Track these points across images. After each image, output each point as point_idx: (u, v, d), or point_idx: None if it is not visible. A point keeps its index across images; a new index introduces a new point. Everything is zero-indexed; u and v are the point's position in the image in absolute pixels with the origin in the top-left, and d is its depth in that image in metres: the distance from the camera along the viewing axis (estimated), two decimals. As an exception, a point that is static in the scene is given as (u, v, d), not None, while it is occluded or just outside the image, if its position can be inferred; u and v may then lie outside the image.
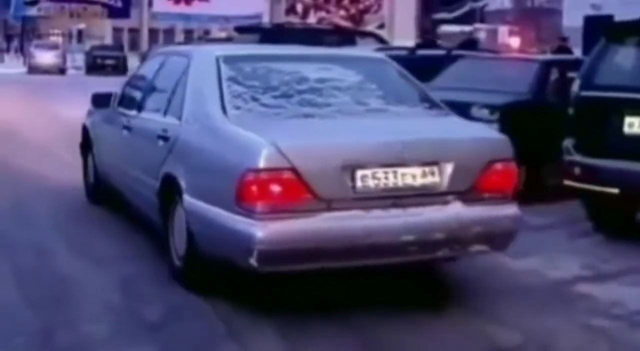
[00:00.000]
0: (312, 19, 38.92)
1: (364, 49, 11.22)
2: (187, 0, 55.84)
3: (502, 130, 7.37)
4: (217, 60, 5.53)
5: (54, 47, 44.22)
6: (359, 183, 4.71)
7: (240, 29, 16.58)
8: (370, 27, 33.90)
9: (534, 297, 5.35)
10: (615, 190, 6.49)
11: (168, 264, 5.46)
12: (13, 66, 44.50)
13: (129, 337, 4.50)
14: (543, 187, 8.20)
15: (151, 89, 6.55)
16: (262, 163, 4.54)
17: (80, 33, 58.82)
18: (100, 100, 7.57)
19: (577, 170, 6.70)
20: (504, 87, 8.64)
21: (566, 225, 7.29)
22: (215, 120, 5.14)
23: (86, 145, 8.12)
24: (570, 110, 6.92)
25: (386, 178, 4.77)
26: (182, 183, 5.19)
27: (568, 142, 6.87)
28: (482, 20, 49.82)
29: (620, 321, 4.91)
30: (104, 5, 56.08)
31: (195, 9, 55.76)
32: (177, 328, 4.63)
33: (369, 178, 4.73)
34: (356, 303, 4.98)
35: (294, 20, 36.83)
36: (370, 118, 5.29)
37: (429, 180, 4.87)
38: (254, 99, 5.23)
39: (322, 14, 40.38)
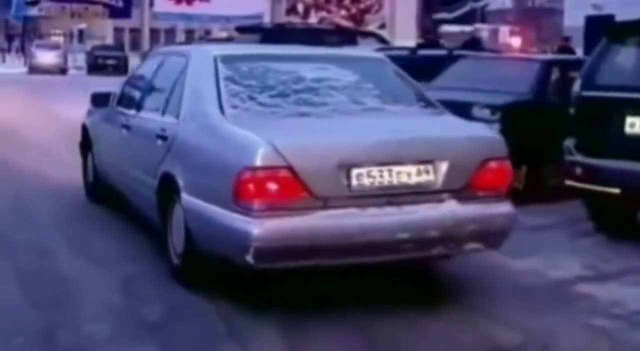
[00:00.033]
0: (313, 19, 38.90)
1: (363, 49, 11.22)
2: (188, 0, 55.73)
3: (503, 130, 7.38)
4: (215, 59, 5.54)
5: (55, 47, 44.14)
6: (354, 182, 4.72)
7: (241, 29, 16.59)
8: (371, 27, 33.87)
9: (534, 297, 5.34)
10: (616, 190, 6.48)
11: (166, 262, 5.47)
12: (14, 66, 44.47)
13: (130, 337, 4.50)
14: (544, 186, 8.20)
15: (150, 89, 6.56)
16: (258, 162, 4.56)
17: (81, 33, 58.86)
18: (99, 100, 7.59)
19: (578, 170, 6.69)
20: (505, 87, 8.62)
21: (567, 225, 7.27)
22: (212, 119, 5.15)
23: (86, 144, 8.13)
24: (572, 110, 6.91)
25: (381, 176, 4.79)
26: (180, 182, 5.21)
27: (569, 142, 6.85)
28: (482, 20, 49.90)
29: (621, 321, 4.89)
30: (105, 5, 55.94)
31: (196, 9, 55.65)
32: (177, 327, 4.63)
33: (365, 177, 4.74)
34: (352, 301, 4.98)
35: (295, 20, 36.81)
36: (366, 117, 5.30)
37: (424, 178, 4.89)
38: (251, 98, 5.24)
39: (323, 14, 40.34)
